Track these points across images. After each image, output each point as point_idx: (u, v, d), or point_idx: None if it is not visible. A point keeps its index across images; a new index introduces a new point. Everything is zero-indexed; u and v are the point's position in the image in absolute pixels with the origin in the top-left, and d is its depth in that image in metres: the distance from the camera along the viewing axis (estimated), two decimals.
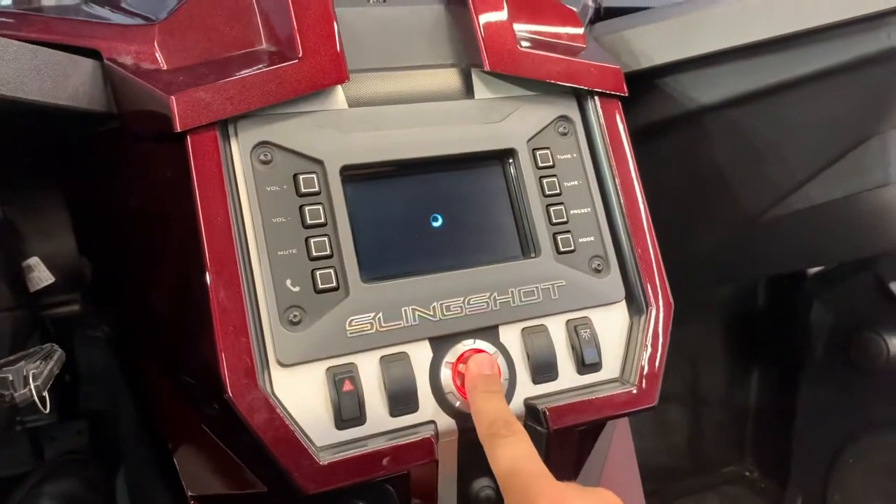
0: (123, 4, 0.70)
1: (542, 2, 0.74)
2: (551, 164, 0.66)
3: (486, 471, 0.62)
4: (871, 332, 1.27)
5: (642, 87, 0.79)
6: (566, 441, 0.62)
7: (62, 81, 0.59)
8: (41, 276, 0.83)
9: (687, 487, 1.55)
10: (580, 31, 0.74)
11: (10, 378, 0.56)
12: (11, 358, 0.58)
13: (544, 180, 0.66)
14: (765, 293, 1.57)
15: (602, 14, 0.94)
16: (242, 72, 0.58)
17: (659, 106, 0.81)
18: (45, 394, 0.56)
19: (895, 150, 0.82)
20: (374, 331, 0.58)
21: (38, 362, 0.57)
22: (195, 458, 0.68)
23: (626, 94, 0.69)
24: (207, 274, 0.54)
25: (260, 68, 0.58)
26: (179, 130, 0.55)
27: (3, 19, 0.67)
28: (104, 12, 0.71)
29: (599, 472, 0.76)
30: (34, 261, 0.82)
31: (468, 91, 0.67)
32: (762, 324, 1.57)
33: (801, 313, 1.41)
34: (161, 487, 0.82)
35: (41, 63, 0.57)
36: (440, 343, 0.60)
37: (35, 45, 0.57)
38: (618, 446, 0.79)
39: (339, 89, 0.62)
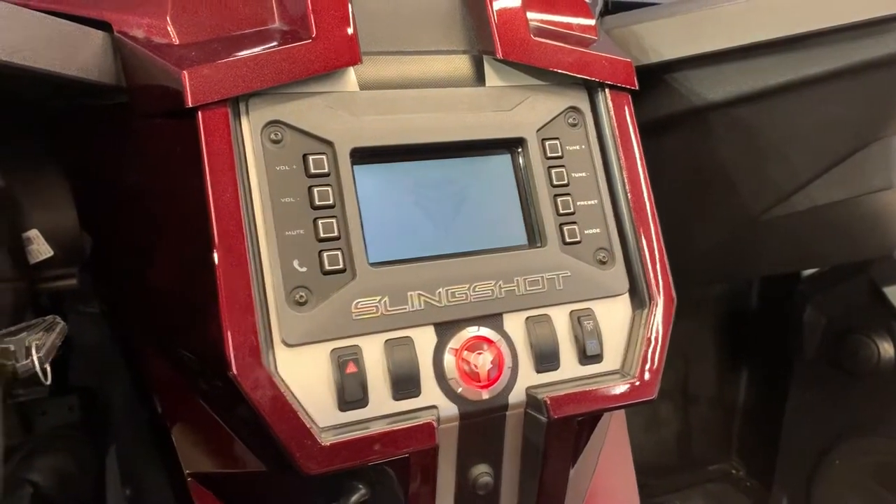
0: None
1: None
2: (560, 154, 0.66)
3: (485, 457, 0.63)
4: (863, 335, 1.28)
5: (650, 81, 0.79)
6: (565, 430, 0.62)
7: (72, 53, 0.58)
8: (40, 248, 0.82)
9: (673, 483, 1.56)
10: (592, 22, 0.74)
11: (12, 348, 0.55)
12: (12, 329, 0.58)
13: (553, 171, 0.66)
14: (757, 293, 1.58)
15: (610, 8, 0.94)
16: (255, 49, 0.57)
17: (666, 101, 0.82)
18: (47, 365, 0.56)
19: None
20: (379, 314, 0.58)
21: (40, 333, 0.57)
22: (193, 436, 0.68)
23: (637, 88, 0.69)
24: (215, 252, 0.53)
25: (273, 47, 0.58)
26: (191, 106, 0.54)
27: None
28: None
29: (595, 462, 0.77)
30: (33, 233, 0.81)
31: (479, 78, 0.67)
32: (754, 323, 1.58)
33: (793, 314, 1.42)
34: (155, 466, 0.82)
35: (52, 33, 0.57)
36: (445, 329, 0.60)
37: (46, 15, 0.57)
38: (613, 437, 0.80)
39: (351, 71, 0.62)
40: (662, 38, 0.78)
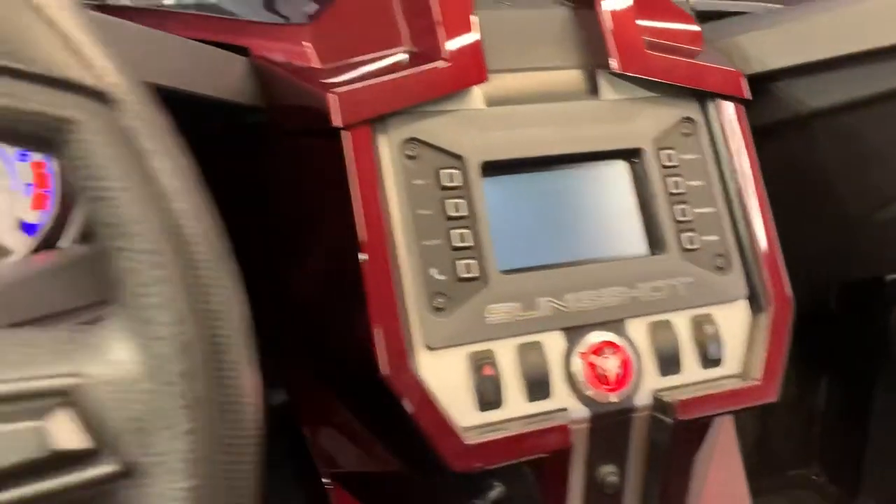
0: (260, 4, 0.74)
1: (663, 4, 0.76)
2: (676, 164, 0.68)
3: (612, 458, 0.65)
4: None
5: (752, 90, 0.80)
6: (689, 432, 0.64)
7: (220, 77, 0.63)
8: None
9: (754, 488, 1.55)
10: (698, 29, 0.76)
11: None
12: None
13: (669, 179, 0.68)
14: (838, 297, 1.56)
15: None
16: (392, 72, 0.61)
17: (769, 110, 0.82)
18: None
19: None
20: (511, 319, 0.61)
21: None
22: (330, 437, 0.72)
23: (749, 98, 0.71)
24: (364, 261, 0.57)
25: (407, 68, 0.61)
26: (339, 126, 0.58)
27: (160, 18, 0.71)
28: (241, 9, 0.75)
29: (708, 465, 0.78)
30: None
31: (594, 91, 0.69)
32: (835, 327, 1.56)
33: (877, 318, 1.40)
34: (279, 466, 0.86)
35: (203, 59, 0.62)
36: (573, 333, 0.62)
37: (197, 42, 0.61)
38: (723, 442, 0.81)
39: (478, 89, 0.64)
40: (766, 48, 0.79)
